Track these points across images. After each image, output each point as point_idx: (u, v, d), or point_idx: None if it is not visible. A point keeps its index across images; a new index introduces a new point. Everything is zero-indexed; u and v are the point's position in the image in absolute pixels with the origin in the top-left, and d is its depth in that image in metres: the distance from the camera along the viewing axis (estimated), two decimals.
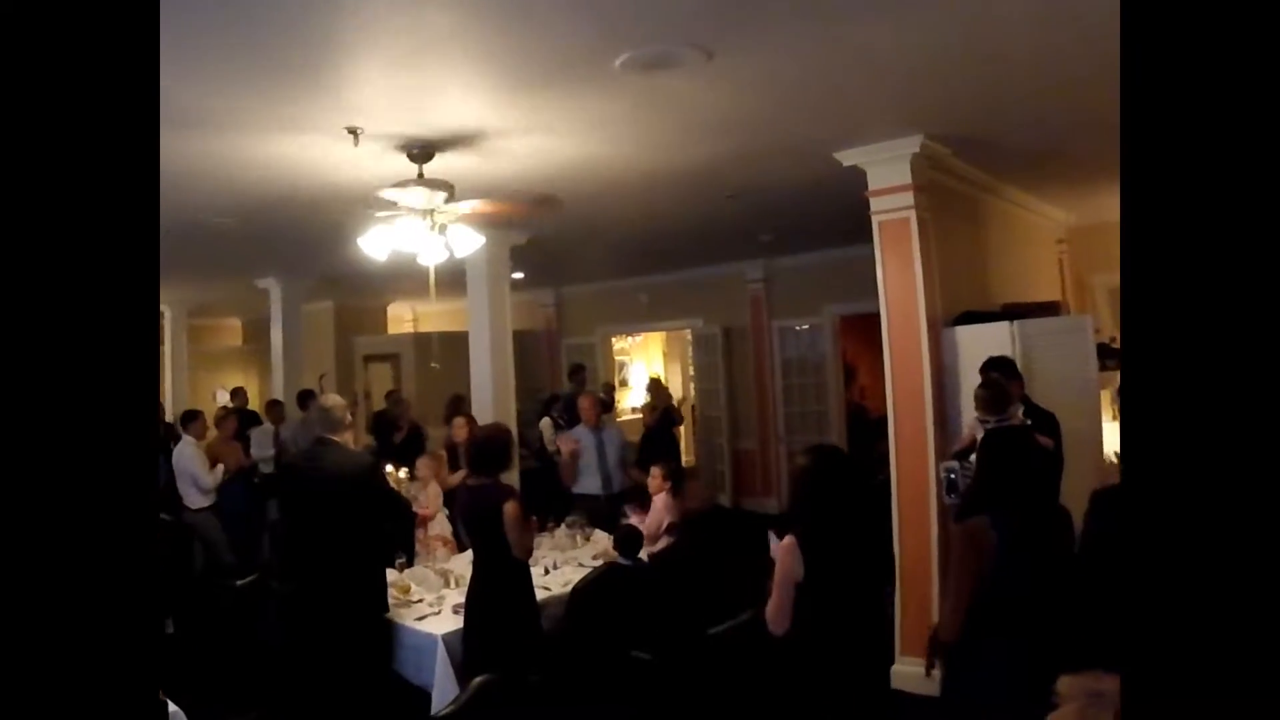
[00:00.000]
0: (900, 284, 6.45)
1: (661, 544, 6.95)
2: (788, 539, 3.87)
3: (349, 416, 5.70)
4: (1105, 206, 9.30)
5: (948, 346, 6.55)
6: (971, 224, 7.65)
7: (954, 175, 7.07)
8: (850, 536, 3.86)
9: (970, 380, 6.12)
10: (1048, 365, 6.48)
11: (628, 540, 6.15)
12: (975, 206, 7.75)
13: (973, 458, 5.52)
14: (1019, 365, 6.17)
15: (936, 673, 4.49)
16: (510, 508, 5.10)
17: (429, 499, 7.30)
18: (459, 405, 9.93)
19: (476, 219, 6.15)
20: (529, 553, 5.22)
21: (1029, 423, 5.62)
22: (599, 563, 6.43)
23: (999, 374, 5.80)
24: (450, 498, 7.11)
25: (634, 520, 6.94)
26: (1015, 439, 4.89)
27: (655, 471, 7.37)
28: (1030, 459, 4.63)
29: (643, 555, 6.33)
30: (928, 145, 6.26)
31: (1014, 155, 6.92)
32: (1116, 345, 7.65)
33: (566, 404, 11.29)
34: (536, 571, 6.05)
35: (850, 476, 3.98)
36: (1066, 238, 10.30)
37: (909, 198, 6.36)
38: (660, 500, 7.20)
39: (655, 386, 12.25)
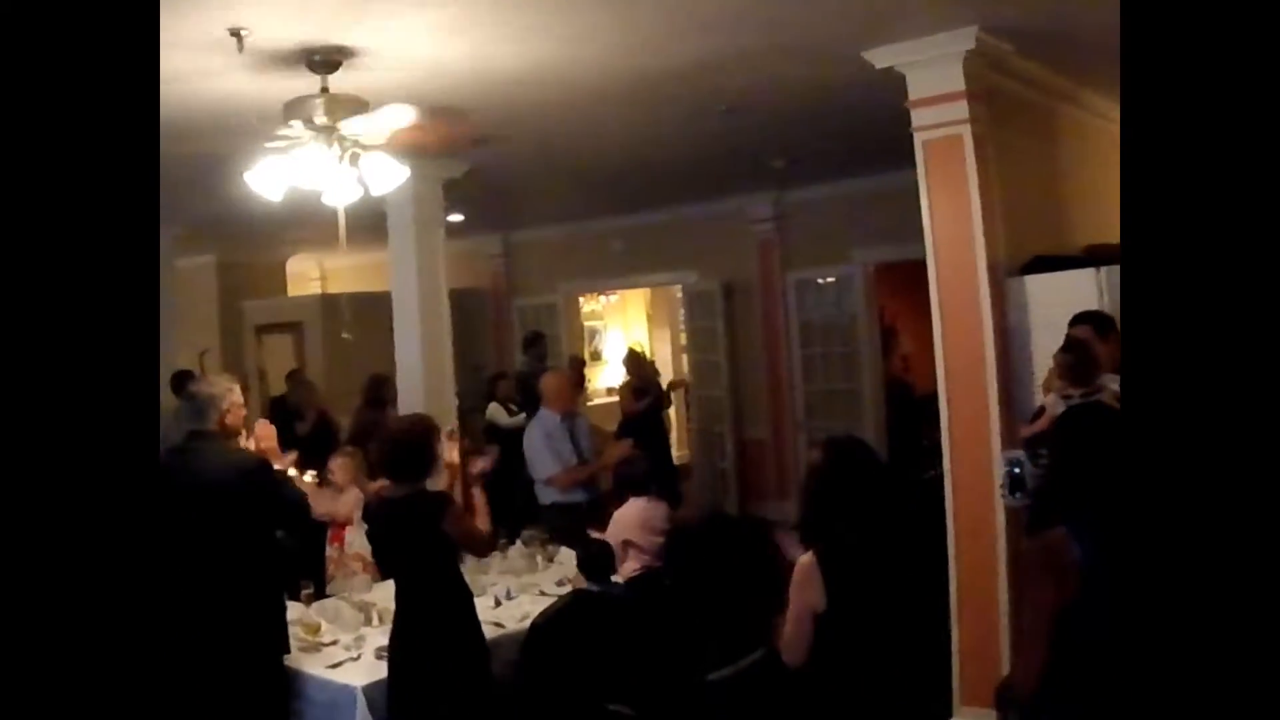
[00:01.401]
0: (952, 221, 6.44)
1: (642, 565, 6.97)
2: (804, 559, 3.88)
3: (230, 402, 5.65)
4: None
5: (1015, 302, 6.55)
6: (1044, 142, 7.65)
7: (1020, 79, 7.06)
8: (887, 554, 3.88)
9: (1045, 345, 6.13)
10: None
11: (595, 560, 6.16)
12: (1049, 120, 7.75)
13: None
14: None
15: None
16: (451, 511, 5.17)
17: (345, 509, 7.28)
18: (380, 388, 9.92)
19: (399, 145, 6.12)
20: (491, 546, 5.27)
21: None
22: (565, 590, 6.44)
23: (1087, 330, 5.81)
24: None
25: (600, 534, 6.98)
26: (1103, 420, 4.89)
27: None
28: (1120, 446, 4.64)
29: (618, 578, 6.35)
30: (985, 40, 6.25)
31: (1099, 51, 6.92)
32: None
33: (521, 384, 11.29)
34: (484, 603, 6.05)
35: (878, 475, 4.00)
36: None
37: (962, 109, 6.34)
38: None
39: (636, 360, 12.25)
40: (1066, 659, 4.09)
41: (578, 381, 10.58)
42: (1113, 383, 5.56)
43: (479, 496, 5.84)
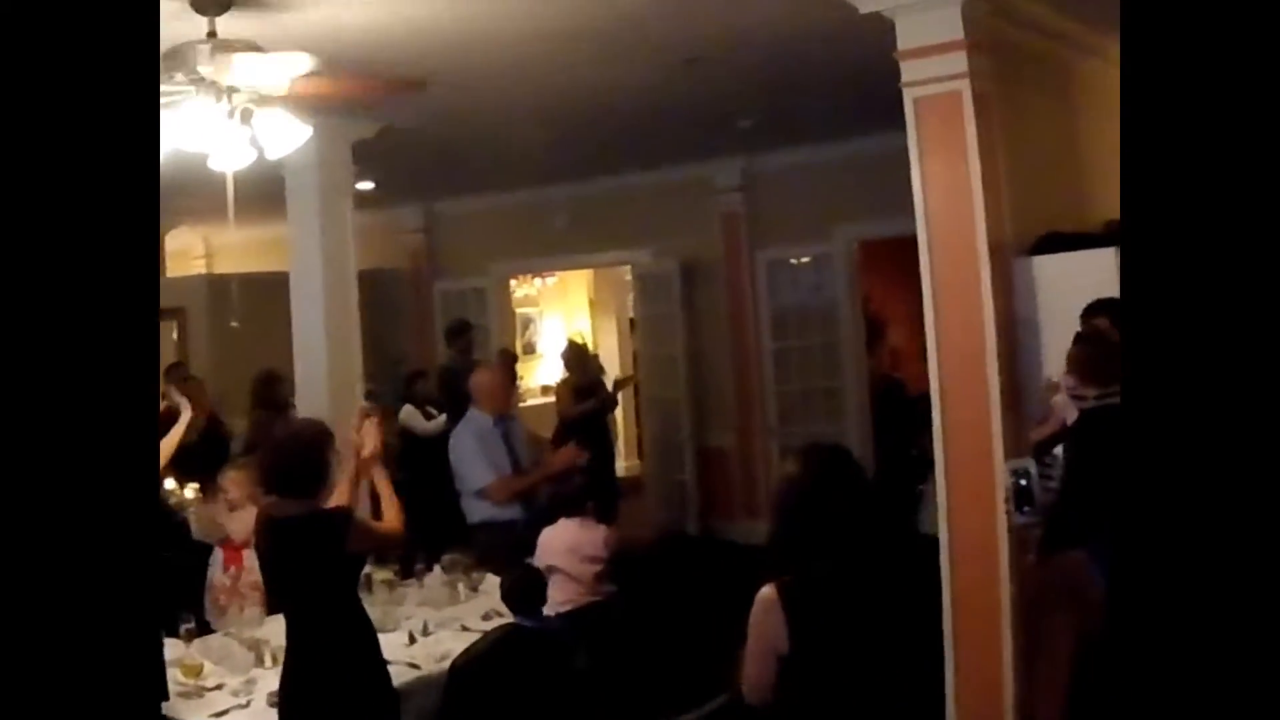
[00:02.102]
0: (948, 193, 6.45)
1: (569, 596, 6.98)
2: (765, 591, 3.88)
3: None
4: None
5: (1024, 287, 6.60)
6: (1059, 100, 7.69)
7: (1031, 27, 7.10)
8: (866, 585, 3.88)
9: (1058, 337, 6.17)
10: None
11: (521, 589, 6.15)
12: (1065, 74, 7.79)
13: (1060, 451, 5.56)
14: None
15: None
16: (354, 530, 5.19)
17: (243, 529, 7.20)
18: (271, 387, 9.86)
19: (300, 100, 6.08)
20: (403, 541, 5.28)
21: None
22: (493, 624, 6.43)
23: (1106, 321, 5.85)
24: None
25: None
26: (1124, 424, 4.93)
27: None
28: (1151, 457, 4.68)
29: (551, 611, 6.36)
30: None
31: None
32: None
33: (445, 382, 11.26)
34: (395, 639, 6.04)
35: (865, 492, 4.00)
36: None
37: (961, 61, 6.35)
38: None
39: (577, 353, 12.27)
40: (1092, 706, 4.11)
41: (510, 379, 10.55)
42: None
43: (381, 483, 5.77)
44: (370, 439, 5.68)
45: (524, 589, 6.13)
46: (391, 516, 5.60)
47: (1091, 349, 5.58)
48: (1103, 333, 5.71)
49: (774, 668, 3.84)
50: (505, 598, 6.18)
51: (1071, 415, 5.57)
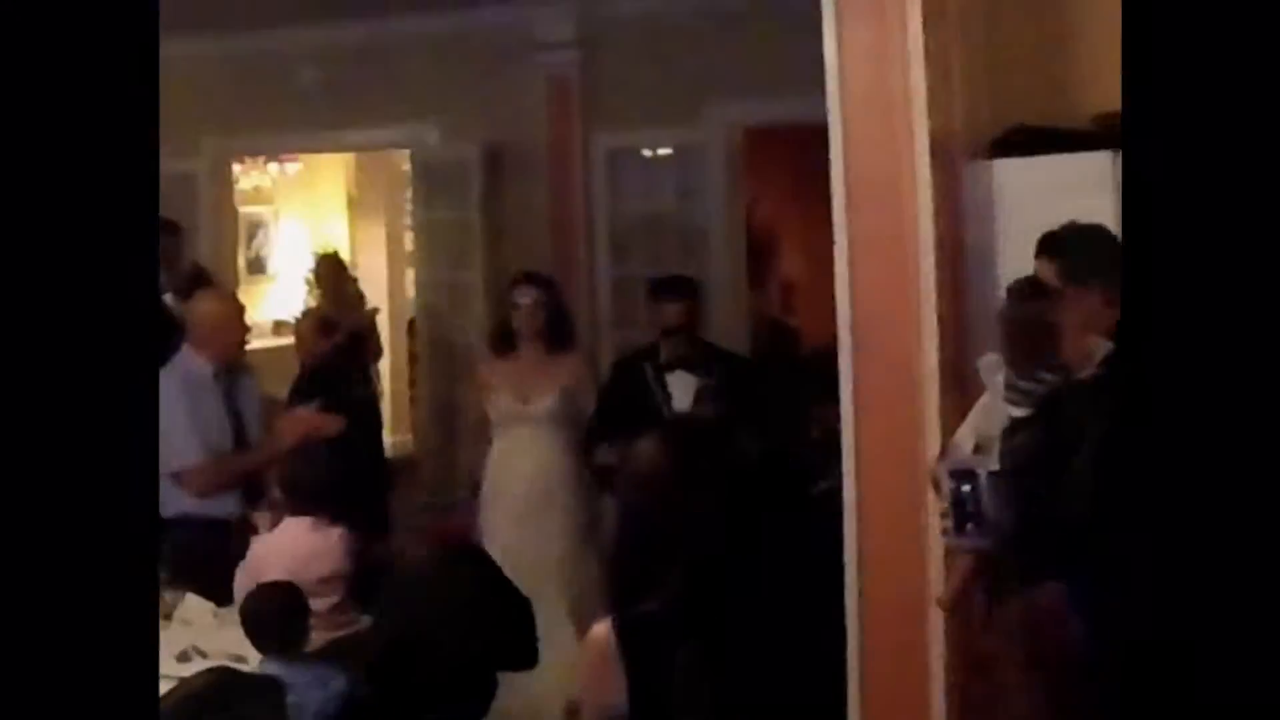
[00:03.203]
0: (873, 62, 6.48)
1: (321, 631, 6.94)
2: (596, 630, 3.88)
3: None
4: None
5: (976, 200, 6.70)
6: None
7: None
8: (742, 623, 3.86)
9: (1021, 273, 6.17)
10: None
11: (279, 615, 6.10)
12: None
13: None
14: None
15: None
16: None
17: None
18: None
19: None
20: None
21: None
22: (194, 668, 6.36)
23: (1050, 269, 5.85)
24: None
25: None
26: (1100, 404, 4.98)
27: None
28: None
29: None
30: None
31: None
32: None
33: None
34: None
35: (744, 488, 3.99)
36: None
37: None
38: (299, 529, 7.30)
39: (332, 270, 12.26)
40: None
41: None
42: (1096, 353, 5.63)
43: None
44: None
45: (279, 614, 6.14)
46: None
47: (1017, 314, 5.62)
48: (1029, 291, 5.74)
49: None
50: (248, 628, 6.26)
51: (1001, 409, 5.62)
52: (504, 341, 8.05)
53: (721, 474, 4.00)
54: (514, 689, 6.69)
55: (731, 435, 4.30)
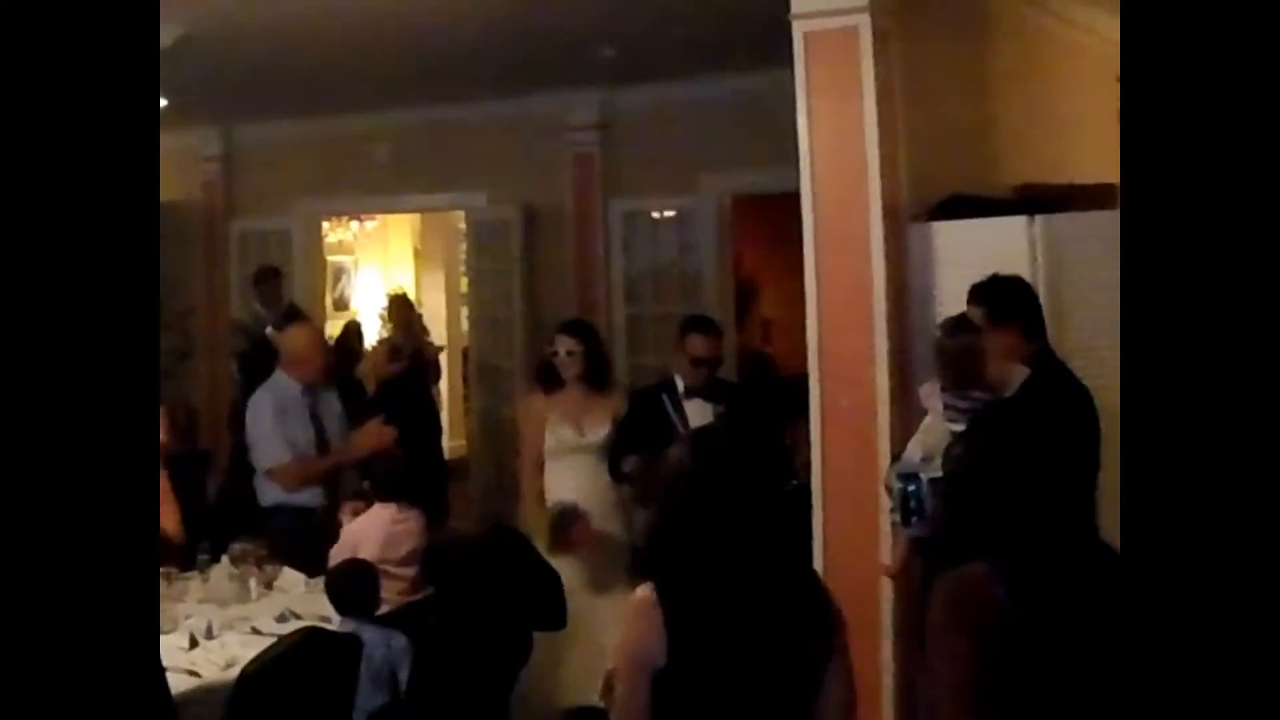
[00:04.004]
0: (839, 143, 6.53)
1: (400, 596, 7.00)
2: (640, 591, 3.87)
3: None
4: None
5: (919, 256, 6.72)
6: (969, 45, 7.82)
7: None
8: (757, 592, 3.91)
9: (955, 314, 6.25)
10: (1093, 293, 6.54)
11: (354, 585, 6.11)
12: (977, 15, 7.90)
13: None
14: (1043, 293, 6.28)
15: None
16: None
17: None
18: None
19: None
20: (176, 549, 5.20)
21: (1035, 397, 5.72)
22: (289, 627, 6.38)
23: (979, 312, 5.92)
24: None
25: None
26: (1030, 421, 5.02)
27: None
28: (1038, 454, 4.78)
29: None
30: None
31: None
32: None
33: (246, 340, 11.14)
34: (172, 642, 5.94)
35: (762, 487, 4.05)
36: None
37: None
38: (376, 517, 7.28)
39: (401, 308, 12.22)
40: None
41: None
42: (1013, 375, 5.71)
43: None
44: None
45: (354, 584, 6.15)
46: (165, 519, 5.47)
47: (952, 345, 5.68)
48: (960, 328, 5.80)
49: (646, 688, 3.83)
50: (331, 595, 6.20)
51: (941, 418, 5.68)
52: (551, 379, 7.92)
53: (731, 471, 4.05)
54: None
55: (745, 443, 4.32)
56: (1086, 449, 5.81)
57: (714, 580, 3.87)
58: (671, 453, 4.04)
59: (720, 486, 3.94)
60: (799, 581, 4.10)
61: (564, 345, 7.72)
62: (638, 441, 7.17)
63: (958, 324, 5.82)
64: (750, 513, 3.95)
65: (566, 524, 7.50)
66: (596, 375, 7.71)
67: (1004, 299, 6.04)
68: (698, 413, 7.20)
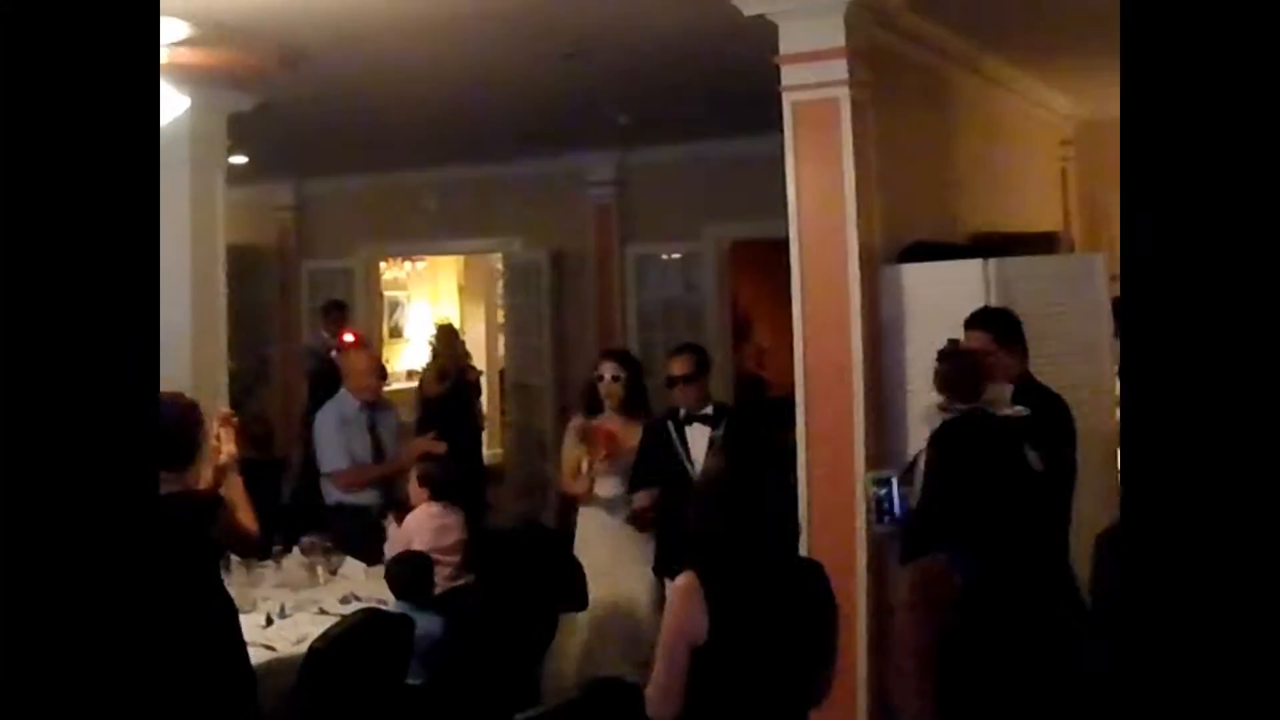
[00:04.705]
0: (821, 197, 6.49)
1: (447, 581, 6.91)
2: (684, 577, 3.86)
3: None
4: None
5: (889, 294, 6.65)
6: (934, 112, 7.79)
7: (909, 38, 7.14)
8: (784, 579, 3.89)
9: (921, 343, 6.21)
10: (1039, 325, 6.52)
11: (412, 573, 6.06)
12: (940, 87, 7.88)
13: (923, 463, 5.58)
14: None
15: None
16: (222, 514, 5.09)
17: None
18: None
19: (176, 70, 5.93)
20: (261, 547, 5.49)
21: (1024, 412, 5.62)
22: (351, 608, 6.33)
23: (985, 338, 5.85)
24: None
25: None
26: (985, 433, 4.95)
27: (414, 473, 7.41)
28: (1006, 462, 4.70)
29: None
30: None
31: (1006, 10, 7.01)
32: None
33: (315, 362, 11.10)
34: (251, 621, 5.90)
35: (782, 485, 4.05)
36: (1074, 138, 10.53)
37: (841, 68, 6.37)
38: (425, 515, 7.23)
39: (447, 336, 12.19)
40: (955, 696, 4.16)
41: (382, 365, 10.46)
42: (1005, 393, 5.63)
43: (235, 490, 5.58)
44: (227, 444, 5.48)
45: (412, 572, 6.15)
46: (246, 523, 5.38)
47: (952, 366, 5.60)
48: (966, 352, 5.72)
49: (684, 665, 3.82)
50: (390, 581, 6.20)
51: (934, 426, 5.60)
52: (593, 405, 7.82)
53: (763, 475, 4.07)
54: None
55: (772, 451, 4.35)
56: (1073, 451, 5.76)
57: (746, 569, 3.89)
58: (708, 465, 4.08)
59: (750, 492, 3.96)
60: (810, 571, 4.13)
61: (609, 370, 7.61)
62: (648, 472, 7.10)
63: (952, 347, 5.75)
64: (773, 513, 3.96)
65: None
66: (633, 402, 7.59)
67: (1009, 325, 6.02)
68: (697, 440, 7.09)
